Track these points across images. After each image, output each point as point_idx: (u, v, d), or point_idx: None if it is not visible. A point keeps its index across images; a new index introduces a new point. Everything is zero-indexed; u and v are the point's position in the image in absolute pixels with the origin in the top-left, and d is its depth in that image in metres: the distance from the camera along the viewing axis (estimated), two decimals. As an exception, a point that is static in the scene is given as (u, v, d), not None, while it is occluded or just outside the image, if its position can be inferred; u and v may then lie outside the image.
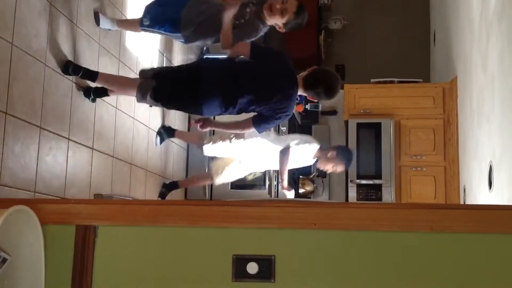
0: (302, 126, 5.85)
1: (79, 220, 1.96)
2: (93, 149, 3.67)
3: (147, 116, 4.61)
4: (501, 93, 3.57)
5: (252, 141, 4.37)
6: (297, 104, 5.70)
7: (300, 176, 5.52)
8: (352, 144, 5.48)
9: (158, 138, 4.80)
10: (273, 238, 1.84)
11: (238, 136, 4.35)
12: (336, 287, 1.79)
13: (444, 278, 1.74)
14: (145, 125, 4.59)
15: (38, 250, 1.94)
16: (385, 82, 5.76)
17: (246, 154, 4.49)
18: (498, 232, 1.74)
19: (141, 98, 3.28)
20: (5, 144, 2.75)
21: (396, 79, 5.75)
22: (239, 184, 5.21)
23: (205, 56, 5.73)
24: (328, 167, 4.39)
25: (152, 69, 3.65)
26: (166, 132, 4.83)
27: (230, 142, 4.41)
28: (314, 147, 4.42)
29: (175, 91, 3.23)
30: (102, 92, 3.62)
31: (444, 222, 1.77)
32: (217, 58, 3.80)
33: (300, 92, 3.40)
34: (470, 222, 1.77)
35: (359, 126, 5.53)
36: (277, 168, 4.56)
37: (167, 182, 4.87)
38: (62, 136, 3.30)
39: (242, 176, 4.74)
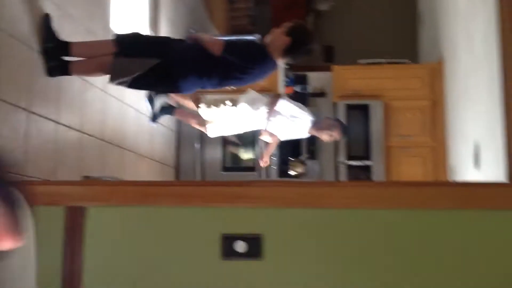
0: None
1: (68, 201, 1.98)
2: (82, 132, 3.67)
3: (135, 100, 4.61)
4: (486, 73, 3.61)
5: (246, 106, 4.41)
6: (287, 86, 5.72)
7: (290, 158, 5.55)
8: (341, 126, 5.51)
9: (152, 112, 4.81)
10: (261, 217, 1.87)
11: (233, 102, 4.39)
12: (323, 264, 1.83)
13: (430, 254, 1.78)
14: (135, 108, 4.59)
15: (28, 232, 1.96)
16: (373, 63, 5.79)
17: (241, 116, 4.48)
18: (480, 208, 1.78)
19: (116, 81, 3.23)
20: (-7, 128, 2.75)
21: (384, 60, 5.78)
22: (231, 167, 5.24)
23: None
24: (325, 136, 4.42)
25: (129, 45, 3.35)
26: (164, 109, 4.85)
27: (225, 106, 4.42)
28: (308, 118, 4.45)
29: (152, 76, 3.21)
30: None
31: (427, 199, 1.81)
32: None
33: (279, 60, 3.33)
34: (453, 199, 1.80)
35: (348, 107, 5.56)
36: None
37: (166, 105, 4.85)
38: (50, 119, 3.30)
39: (236, 132, 4.71)
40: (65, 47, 3.24)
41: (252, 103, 4.40)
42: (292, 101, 4.56)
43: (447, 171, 5.15)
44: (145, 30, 4.95)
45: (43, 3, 3.24)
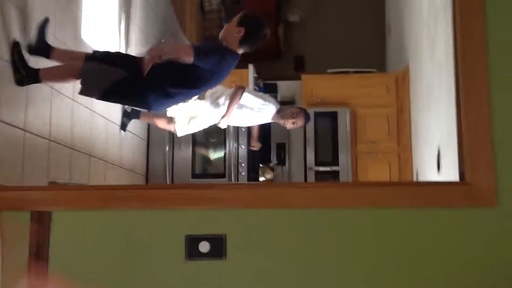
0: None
1: (34, 206, 1.99)
2: (49, 140, 3.68)
3: (104, 107, 4.63)
4: (447, 80, 3.73)
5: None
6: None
7: (260, 165, 5.62)
8: (310, 133, 5.61)
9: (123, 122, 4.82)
10: (224, 218, 1.91)
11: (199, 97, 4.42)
12: (285, 263, 1.89)
13: (388, 252, 1.85)
14: (104, 117, 4.60)
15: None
16: (341, 73, 5.91)
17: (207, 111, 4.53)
18: (434, 206, 1.86)
19: (86, 92, 3.31)
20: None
21: (351, 69, 5.91)
22: (201, 173, 5.29)
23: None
24: (289, 124, 4.52)
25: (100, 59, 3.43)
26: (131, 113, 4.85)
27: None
28: (273, 107, 4.54)
29: (122, 89, 3.28)
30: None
31: (383, 198, 1.88)
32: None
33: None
34: (409, 198, 1.88)
35: (316, 115, 5.66)
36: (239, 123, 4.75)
37: (129, 110, 4.84)
38: (17, 127, 3.31)
39: (203, 127, 4.73)
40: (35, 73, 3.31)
41: (217, 97, 4.45)
42: (256, 93, 4.64)
43: (413, 176, 5.27)
44: (115, 38, 4.98)
45: (11, 12, 3.26)
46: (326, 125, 5.62)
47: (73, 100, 4.04)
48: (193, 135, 5.31)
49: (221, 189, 2.00)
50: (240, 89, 4.48)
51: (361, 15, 7.69)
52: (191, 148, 5.41)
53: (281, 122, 4.57)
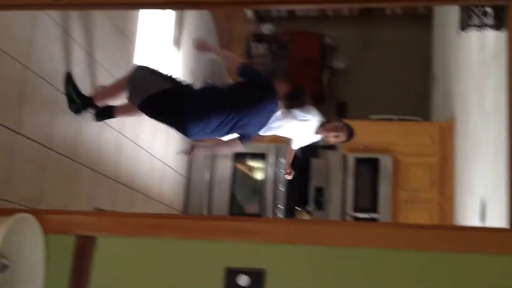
0: (301, 160, 5.94)
1: (79, 230, 2.04)
2: (95, 171, 3.77)
3: (150, 142, 4.73)
4: (496, 130, 3.68)
5: None
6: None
7: (297, 208, 5.59)
8: (350, 179, 5.58)
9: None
10: (265, 253, 1.91)
11: None
12: (324, 302, 1.86)
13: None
14: (148, 152, 4.69)
15: (38, 259, 2.02)
16: (384, 120, 5.89)
17: None
18: (480, 252, 1.82)
19: (131, 98, 3.40)
20: (12, 162, 2.85)
21: (395, 117, 5.88)
22: (237, 213, 5.30)
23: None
24: (331, 137, 4.42)
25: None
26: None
27: None
28: (317, 116, 4.46)
29: (162, 107, 3.35)
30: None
31: (429, 241, 1.85)
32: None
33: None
34: (453, 242, 1.84)
35: (358, 161, 5.63)
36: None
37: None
38: (68, 157, 3.41)
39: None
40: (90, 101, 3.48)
41: None
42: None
43: (455, 228, 5.14)
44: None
45: (73, 47, 3.41)
46: (367, 171, 5.58)
47: (120, 133, 4.15)
48: (233, 175, 5.36)
49: (262, 223, 2.00)
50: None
51: (407, 64, 7.70)
52: (229, 188, 5.44)
53: (324, 135, 4.48)
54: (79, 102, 3.40)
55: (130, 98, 3.41)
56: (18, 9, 2.62)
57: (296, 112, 4.20)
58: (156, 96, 3.29)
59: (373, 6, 6.47)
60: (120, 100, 3.57)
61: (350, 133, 4.40)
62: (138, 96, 3.34)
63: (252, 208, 5.45)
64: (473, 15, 3.51)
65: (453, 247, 1.84)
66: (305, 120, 4.36)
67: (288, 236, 1.92)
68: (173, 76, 3.48)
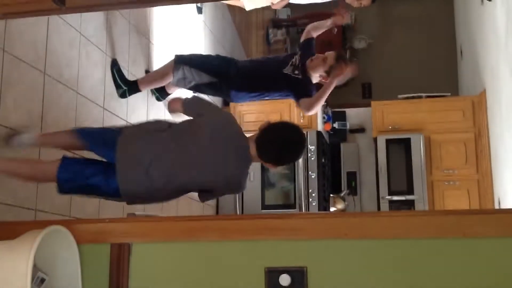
0: (331, 145, 5.86)
1: (114, 238, 2.00)
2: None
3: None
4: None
5: None
6: (325, 122, 5.72)
7: (331, 195, 5.50)
8: (382, 161, 5.46)
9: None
10: (304, 250, 1.85)
11: None
12: (370, 296, 1.79)
13: (478, 284, 1.72)
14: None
15: (74, 270, 1.99)
16: (413, 98, 5.74)
17: None
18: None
19: (180, 84, 3.70)
20: (40, 170, 2.83)
21: (424, 94, 5.72)
22: (270, 205, 5.23)
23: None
24: (355, 2, 4.29)
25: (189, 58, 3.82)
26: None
27: None
28: None
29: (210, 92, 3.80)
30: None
31: (476, 227, 1.76)
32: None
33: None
34: (503, 227, 1.75)
35: (389, 142, 5.50)
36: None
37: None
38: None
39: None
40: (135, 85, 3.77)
41: None
42: None
43: (494, 204, 5.00)
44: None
45: (93, 51, 3.37)
46: (399, 152, 5.44)
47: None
48: (262, 167, 5.26)
49: (299, 219, 1.93)
50: None
51: (431, 40, 7.53)
52: (260, 179, 5.36)
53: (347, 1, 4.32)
54: (124, 87, 3.69)
55: (178, 83, 3.72)
56: (25, 16, 2.59)
57: None
58: (203, 87, 3.68)
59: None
60: (164, 83, 3.90)
61: None
62: (187, 83, 3.67)
63: (285, 198, 5.37)
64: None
65: (497, 232, 1.75)
66: None
67: (326, 231, 1.85)
68: (210, 62, 3.79)
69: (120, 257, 1.98)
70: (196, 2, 4.76)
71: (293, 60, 3.65)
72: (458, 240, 1.77)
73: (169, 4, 3.86)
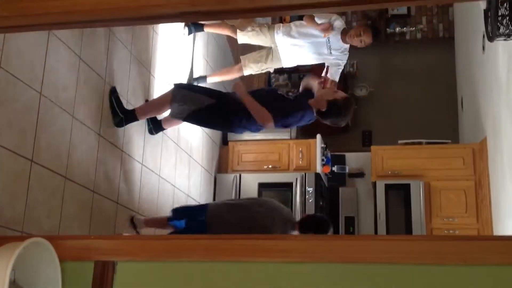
0: (329, 188, 5.78)
1: (98, 256, 1.92)
2: (117, 203, 3.66)
3: (173, 175, 4.62)
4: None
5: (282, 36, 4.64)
6: (324, 165, 5.66)
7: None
8: (381, 206, 5.37)
9: (187, 29, 4.87)
10: (295, 272, 1.76)
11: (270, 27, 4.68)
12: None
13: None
14: (170, 183, 4.58)
15: (55, 286, 1.89)
16: (413, 143, 5.70)
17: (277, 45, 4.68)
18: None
19: (177, 113, 3.68)
20: (29, 192, 2.76)
21: (424, 140, 5.69)
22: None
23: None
24: (355, 41, 4.33)
25: (187, 88, 3.86)
26: (194, 26, 4.91)
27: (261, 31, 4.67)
28: (340, 20, 4.49)
29: (208, 118, 3.72)
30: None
31: (476, 253, 1.68)
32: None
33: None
34: (503, 254, 1.67)
35: (388, 187, 5.43)
36: (307, 62, 4.75)
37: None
38: (87, 188, 3.31)
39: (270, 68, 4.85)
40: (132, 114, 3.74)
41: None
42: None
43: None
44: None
45: (92, 77, 3.36)
46: (398, 198, 5.35)
47: (143, 164, 4.05)
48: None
49: (291, 240, 1.85)
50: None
51: (431, 88, 7.56)
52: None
53: (348, 40, 4.40)
54: (121, 116, 3.66)
55: (175, 114, 3.71)
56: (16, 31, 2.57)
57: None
58: (202, 111, 3.62)
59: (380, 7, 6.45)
60: (162, 113, 3.93)
61: (375, 34, 4.34)
62: (184, 112, 3.65)
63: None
64: (500, 24, 3.38)
65: (504, 260, 1.67)
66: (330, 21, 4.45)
67: (321, 253, 1.77)
68: (210, 89, 3.89)
69: (104, 276, 1.89)
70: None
71: (292, 91, 3.72)
72: (457, 268, 1.68)
73: (176, 21, 3.93)
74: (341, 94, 3.68)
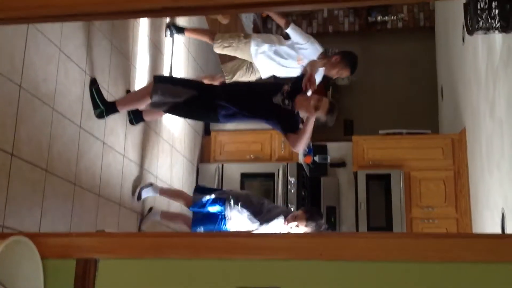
0: (311, 178, 5.81)
1: (80, 254, 1.91)
2: (99, 195, 3.65)
3: (155, 166, 4.61)
4: (510, 138, 3.54)
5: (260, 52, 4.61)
6: (306, 155, 5.69)
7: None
8: (362, 196, 5.42)
9: (168, 32, 4.88)
10: (277, 269, 1.77)
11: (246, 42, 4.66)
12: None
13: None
14: (153, 174, 4.57)
15: (37, 284, 1.89)
16: (393, 134, 5.75)
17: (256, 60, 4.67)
18: (506, 261, 1.67)
19: (157, 105, 3.64)
20: (10, 185, 2.74)
21: (404, 131, 5.74)
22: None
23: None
24: (333, 72, 4.34)
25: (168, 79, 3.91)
26: (176, 28, 4.93)
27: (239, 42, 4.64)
28: (317, 49, 4.44)
29: (190, 110, 3.69)
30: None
31: (454, 251, 1.71)
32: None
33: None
34: (481, 251, 1.70)
35: (368, 177, 5.48)
36: (285, 74, 4.66)
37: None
38: (68, 181, 3.29)
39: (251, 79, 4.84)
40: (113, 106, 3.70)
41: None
42: (302, 31, 4.59)
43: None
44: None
45: (72, 68, 3.33)
46: (379, 188, 5.41)
47: (124, 156, 4.04)
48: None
49: (274, 238, 1.87)
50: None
51: (412, 77, 7.61)
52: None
53: (326, 67, 4.38)
54: (102, 107, 3.62)
55: (155, 105, 3.67)
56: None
57: (296, 37, 4.45)
58: (184, 103, 3.58)
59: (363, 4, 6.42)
60: (143, 106, 3.87)
61: (353, 66, 4.33)
62: (165, 104, 3.61)
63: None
64: (479, 18, 3.41)
65: (482, 257, 1.70)
66: (303, 48, 4.45)
67: (301, 250, 1.79)
68: (191, 80, 3.91)
69: (85, 273, 1.89)
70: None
71: (284, 88, 3.65)
72: (435, 265, 1.71)
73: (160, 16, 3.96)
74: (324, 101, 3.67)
